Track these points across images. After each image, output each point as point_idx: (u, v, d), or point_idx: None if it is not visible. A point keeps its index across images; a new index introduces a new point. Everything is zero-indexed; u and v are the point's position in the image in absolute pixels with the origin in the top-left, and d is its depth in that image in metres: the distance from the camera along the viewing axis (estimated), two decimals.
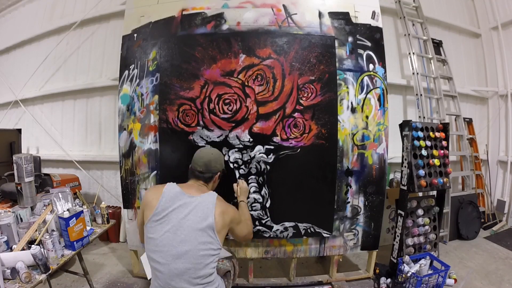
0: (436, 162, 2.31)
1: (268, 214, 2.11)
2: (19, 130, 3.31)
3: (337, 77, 2.09)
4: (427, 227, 2.40)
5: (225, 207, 1.43)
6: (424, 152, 2.27)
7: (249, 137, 2.05)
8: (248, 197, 1.94)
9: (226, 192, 1.79)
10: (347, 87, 2.11)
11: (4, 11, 4.03)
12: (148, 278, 1.46)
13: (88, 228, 1.81)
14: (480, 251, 2.93)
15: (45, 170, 3.29)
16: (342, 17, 2.13)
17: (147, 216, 1.36)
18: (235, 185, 1.91)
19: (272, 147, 2.06)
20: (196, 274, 1.28)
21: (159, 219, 1.32)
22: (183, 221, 1.30)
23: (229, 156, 2.06)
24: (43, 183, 2.73)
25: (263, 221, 2.12)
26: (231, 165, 2.07)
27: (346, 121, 2.11)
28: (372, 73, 2.16)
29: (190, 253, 1.27)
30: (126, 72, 2.21)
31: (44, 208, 1.87)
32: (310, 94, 2.06)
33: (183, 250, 1.27)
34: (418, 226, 2.37)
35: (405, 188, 2.28)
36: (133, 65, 2.19)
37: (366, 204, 2.20)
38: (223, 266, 1.61)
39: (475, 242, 3.16)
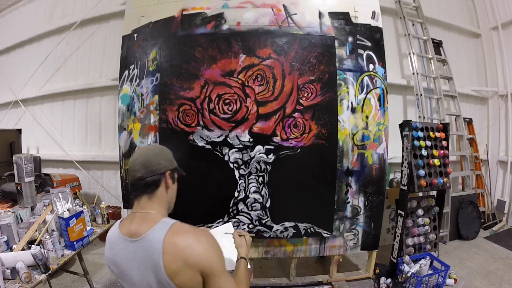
0: (436, 162, 2.31)
1: (268, 214, 2.11)
2: (19, 130, 3.31)
3: (337, 77, 2.09)
4: (427, 227, 2.40)
5: (181, 248, 0.84)
6: (424, 152, 2.27)
7: (249, 137, 2.05)
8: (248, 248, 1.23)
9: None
10: (347, 87, 2.11)
11: (4, 11, 4.03)
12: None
13: (88, 228, 1.81)
14: (480, 251, 2.93)
15: (45, 170, 3.29)
16: (342, 17, 2.13)
17: None
18: (236, 235, 1.24)
19: (272, 147, 2.06)
20: None
21: (118, 277, 0.98)
22: (138, 283, 0.90)
23: (229, 156, 2.06)
24: (43, 183, 2.73)
25: (263, 221, 2.12)
26: (231, 165, 2.07)
27: (346, 121, 2.11)
28: (372, 73, 2.16)
29: None
30: (126, 72, 2.21)
31: (44, 208, 1.87)
32: (310, 94, 2.06)
33: None
34: (418, 226, 2.37)
35: (405, 188, 2.28)
36: (133, 65, 2.19)
37: (366, 204, 2.20)
38: None
39: (475, 242, 3.16)
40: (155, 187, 0.96)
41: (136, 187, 0.96)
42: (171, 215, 0.98)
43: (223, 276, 0.89)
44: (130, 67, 2.20)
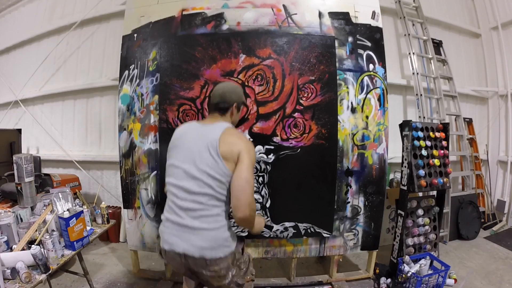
0: (436, 162, 2.31)
1: (268, 214, 2.11)
2: (19, 130, 3.31)
3: (337, 77, 2.09)
4: (427, 227, 2.40)
5: (235, 136, 1.31)
6: (424, 152, 2.27)
7: (249, 137, 2.05)
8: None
9: None
10: (347, 87, 2.11)
11: (4, 11, 4.03)
12: None
13: (88, 228, 1.81)
14: (480, 251, 2.93)
15: (45, 170, 3.29)
16: (342, 17, 2.13)
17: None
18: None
19: (272, 147, 2.06)
20: (203, 206, 1.23)
21: (174, 146, 1.40)
22: (191, 144, 1.31)
23: None
24: (43, 183, 2.73)
25: None
26: None
27: (346, 121, 2.11)
28: (372, 73, 2.16)
29: (199, 177, 1.24)
30: (126, 72, 2.21)
31: (44, 208, 1.87)
32: (310, 94, 2.06)
33: (192, 173, 1.25)
34: (418, 226, 2.37)
35: (405, 188, 2.28)
36: (133, 65, 2.19)
37: (366, 204, 2.20)
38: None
39: (475, 242, 3.16)
40: (224, 111, 1.43)
41: (211, 108, 1.47)
42: None
43: (246, 166, 1.23)
44: (130, 67, 2.20)
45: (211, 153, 1.24)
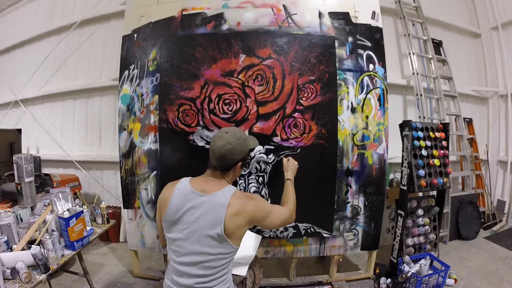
0: (436, 162, 2.31)
1: None
2: (19, 130, 3.31)
3: (337, 77, 2.09)
4: (427, 227, 2.41)
5: (241, 206, 1.23)
6: (424, 152, 2.28)
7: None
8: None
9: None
10: (347, 87, 2.11)
11: (4, 11, 4.03)
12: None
13: (88, 228, 1.81)
14: (480, 251, 2.93)
15: (45, 170, 3.29)
16: (342, 17, 2.13)
17: (163, 214, 1.29)
18: (284, 160, 1.74)
19: (272, 147, 2.06)
20: (207, 278, 1.23)
21: (171, 221, 1.26)
22: (193, 225, 1.22)
23: None
24: (43, 183, 2.73)
25: None
26: None
27: (346, 121, 2.11)
28: (372, 73, 2.16)
29: (201, 260, 1.21)
30: (126, 72, 2.21)
31: (44, 208, 1.87)
32: (310, 94, 2.06)
33: (194, 259, 1.21)
34: (418, 226, 2.37)
35: (405, 188, 2.28)
36: (133, 65, 2.19)
37: (366, 204, 2.20)
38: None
39: (475, 242, 3.16)
40: (226, 170, 1.33)
41: (211, 165, 1.33)
42: None
43: (272, 212, 1.34)
44: (130, 67, 2.20)
45: (218, 240, 1.20)
